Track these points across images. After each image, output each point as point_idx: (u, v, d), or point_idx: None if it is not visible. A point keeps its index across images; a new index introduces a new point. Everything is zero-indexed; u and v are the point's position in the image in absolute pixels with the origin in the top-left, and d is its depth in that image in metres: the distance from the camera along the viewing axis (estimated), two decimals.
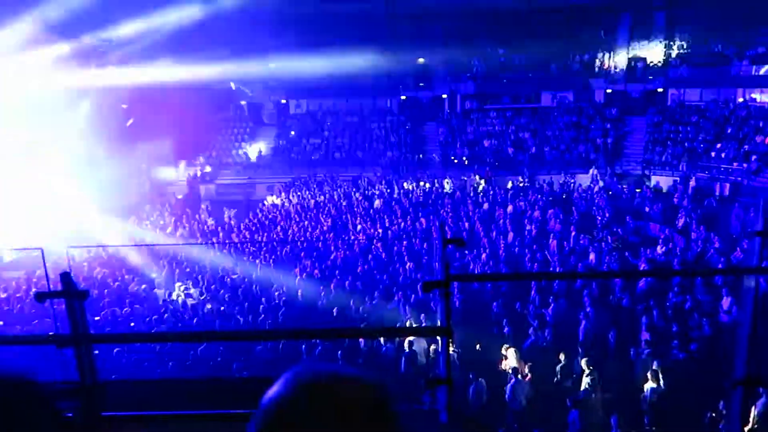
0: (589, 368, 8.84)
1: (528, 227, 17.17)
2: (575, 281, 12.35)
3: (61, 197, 22.09)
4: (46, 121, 22.26)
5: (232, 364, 9.62)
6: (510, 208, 19.22)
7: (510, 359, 9.57)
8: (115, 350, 9.74)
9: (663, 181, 23.78)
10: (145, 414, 1.96)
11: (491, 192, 21.76)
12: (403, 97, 31.40)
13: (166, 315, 12.34)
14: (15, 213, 20.39)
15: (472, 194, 22.18)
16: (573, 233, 16.11)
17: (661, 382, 8.54)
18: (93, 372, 1.89)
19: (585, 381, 8.79)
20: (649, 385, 8.55)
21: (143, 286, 14.77)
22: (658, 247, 14.94)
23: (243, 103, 32.21)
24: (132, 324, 12.11)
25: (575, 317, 10.77)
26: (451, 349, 2.24)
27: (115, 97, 24.36)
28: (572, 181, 23.93)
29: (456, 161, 27.28)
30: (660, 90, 28.86)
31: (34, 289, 14.75)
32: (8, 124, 20.82)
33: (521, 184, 23.65)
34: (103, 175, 22.17)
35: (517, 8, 27.70)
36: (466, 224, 17.94)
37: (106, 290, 14.10)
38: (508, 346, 9.82)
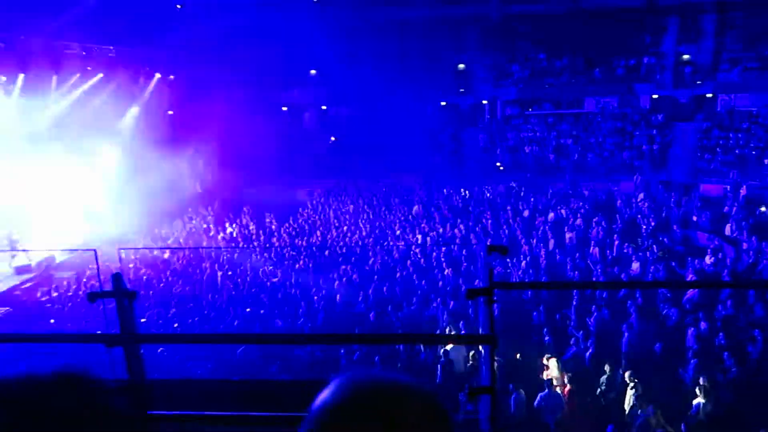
0: (633, 381, 8.58)
1: (569, 235, 16.84)
2: (618, 291, 12.04)
3: (111, 200, 22.85)
4: (96, 126, 23.10)
5: (271, 367, 9.73)
6: (551, 215, 18.89)
7: (552, 369, 9.39)
8: (159, 350, 9.99)
9: (712, 189, 22.98)
10: (190, 413, 1.99)
11: (532, 199, 21.43)
12: (443, 103, 31.27)
13: (209, 316, 12.60)
14: (66, 215, 21.17)
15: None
16: (616, 242, 15.72)
17: (709, 398, 8.22)
18: (141, 371, 1.94)
19: (629, 394, 8.54)
20: (697, 400, 8.24)
21: (187, 288, 15.13)
22: (707, 257, 14.42)
23: (284, 108, 32.64)
24: (176, 325, 12.39)
25: (619, 328, 10.49)
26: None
27: (162, 103, 25.07)
28: (616, 188, 23.37)
29: (503, 168, 26.89)
30: (709, 95, 27.93)
31: (82, 289, 15.29)
32: (61, 129, 21.69)
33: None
34: (150, 179, 22.81)
35: (560, 12, 27.28)
36: (506, 231, 17.74)
37: (151, 291, 14.48)
38: (549, 356, 9.64)
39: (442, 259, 15.39)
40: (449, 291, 13.36)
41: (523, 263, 14.59)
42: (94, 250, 14.43)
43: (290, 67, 27.37)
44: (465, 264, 14.95)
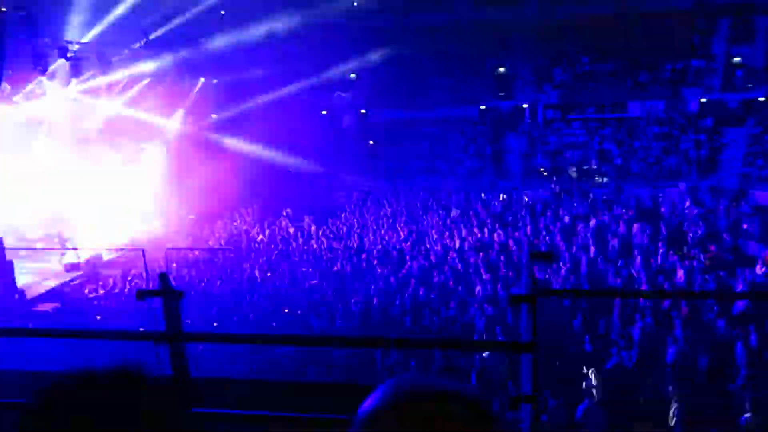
0: (677, 394, 8.32)
1: (611, 242, 16.47)
2: (663, 301, 11.70)
3: (156, 201, 23.51)
4: (142, 128, 23.84)
5: (309, 367, 9.83)
6: (593, 221, 18.52)
7: (591, 379, 9.19)
8: (200, 348, 10.21)
9: (763, 196, 22.12)
10: (232, 412, 2.04)
11: (575, 204, 21.06)
12: (482, 107, 31.04)
13: (248, 317, 12.82)
14: (113, 215, 21.88)
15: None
16: (661, 250, 15.29)
17: (758, 412, 7.91)
18: (186, 368, 1.99)
19: (673, 407, 8.29)
20: (746, 415, 7.94)
21: (227, 288, 15.43)
22: (757, 267, 13.87)
23: (324, 112, 32.94)
24: (215, 324, 12.65)
25: (663, 339, 10.19)
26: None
27: (206, 106, 25.66)
28: (661, 194, 22.75)
29: (546, 174, 26.48)
30: (761, 99, 26.92)
31: (127, 287, 15.76)
32: (109, 131, 22.46)
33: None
34: (193, 181, 23.39)
35: (604, 14, 26.73)
36: (546, 237, 17.47)
37: (192, 291, 14.81)
38: (588, 365, 9.43)
39: (480, 264, 15.26)
40: (487, 296, 13.24)
41: (563, 270, 14.34)
42: (142, 250, 14.89)
43: (330, 71, 27.64)
44: (503, 269, 14.79)
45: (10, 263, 16.26)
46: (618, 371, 9.61)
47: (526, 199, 23.01)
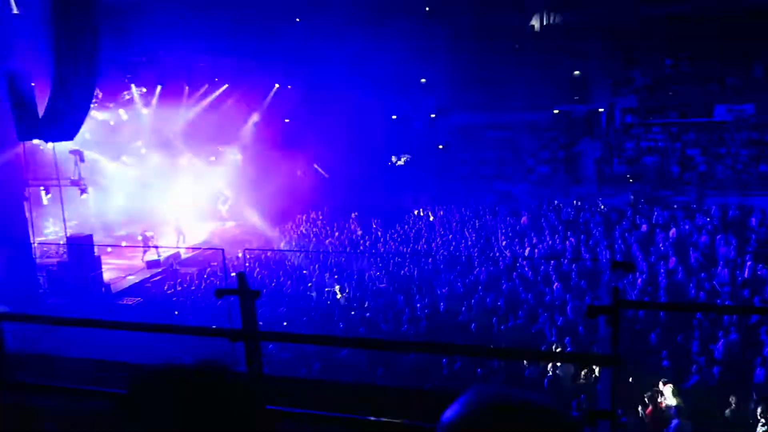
0: (765, 418, 7.76)
1: (693, 253, 15.60)
2: (750, 316, 10.96)
3: (231, 202, 24.41)
4: (220, 132, 24.83)
5: (376, 370, 9.88)
6: (672, 230, 17.62)
7: (666, 396, 8.73)
8: (269, 346, 10.49)
9: None
10: (303, 411, 2.07)
11: (654, 213, 20.10)
12: (556, 111, 30.25)
13: (315, 318, 13.05)
14: (191, 215, 22.90)
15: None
16: (749, 262, 14.33)
17: None
18: (259, 366, 2.05)
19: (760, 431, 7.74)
20: None
21: (298, 288, 15.78)
22: None
23: (394, 117, 33.10)
24: (285, 323, 12.95)
25: (749, 357, 9.54)
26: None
27: (280, 111, 26.40)
28: (750, 204, 21.32)
29: (623, 180, 25.44)
30: None
31: (203, 284, 16.42)
32: (190, 135, 23.54)
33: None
34: (267, 183, 24.13)
35: (687, 14, 25.38)
36: (621, 246, 16.78)
37: (264, 290, 15.24)
38: (665, 381, 8.96)
39: (551, 272, 14.85)
40: (557, 306, 12.87)
41: (640, 281, 13.72)
42: (222, 250, 15.52)
43: (401, 76, 27.75)
44: (575, 278, 14.33)
45: (98, 259, 17.31)
46: (699, 389, 9.09)
47: (601, 206, 22.20)
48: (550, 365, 9.90)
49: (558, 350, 10.39)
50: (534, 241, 17.90)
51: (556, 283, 14.01)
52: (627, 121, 28.77)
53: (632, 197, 23.03)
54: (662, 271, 14.35)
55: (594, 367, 8.00)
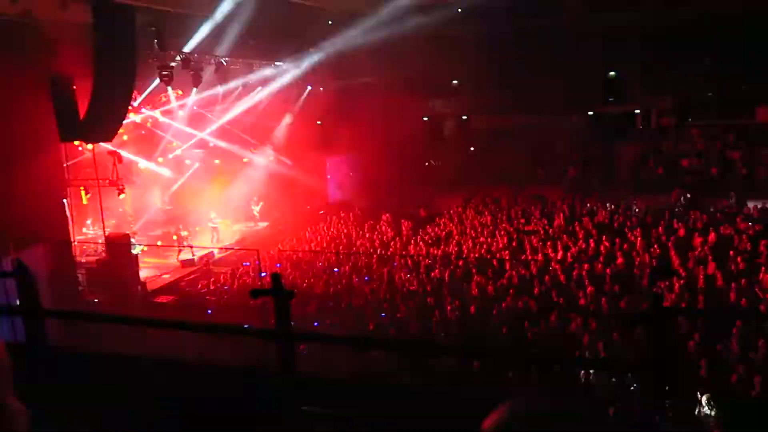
0: None
1: (735, 258, 15.13)
2: None
3: (264, 203, 24.72)
4: (254, 134, 25.17)
5: (405, 372, 9.87)
6: (711, 235, 17.12)
7: (705, 406, 8.49)
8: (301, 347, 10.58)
9: None
10: (336, 413, 2.08)
11: (693, 217, 19.57)
12: (590, 113, 29.76)
13: (345, 319, 13.11)
14: (224, 216, 23.25)
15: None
16: None
17: None
18: (294, 367, 2.06)
19: None
20: None
21: (330, 290, 15.87)
22: None
23: (425, 119, 33.06)
24: (315, 324, 13.05)
25: None
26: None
27: (313, 112, 26.62)
28: None
29: (659, 183, 24.85)
30: None
31: (236, 284, 16.66)
32: (227, 138, 23.93)
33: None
34: (299, 184, 24.39)
35: (729, 13, 24.64)
36: (657, 250, 16.39)
37: (295, 290, 15.38)
38: (704, 390, 8.72)
39: (584, 276, 14.60)
40: (591, 310, 12.65)
41: (677, 286, 13.37)
42: (257, 250, 15.75)
43: (433, 77, 27.70)
44: (609, 283, 14.07)
45: (136, 257, 17.74)
46: (739, 400, 8.81)
47: (636, 210, 21.73)
48: (582, 371, 9.74)
49: (592, 356, 10.22)
50: (567, 244, 17.64)
51: (589, 287, 13.78)
52: (663, 123, 28.11)
53: (669, 200, 22.48)
54: (701, 276, 13.97)
55: (629, 374, 7.82)
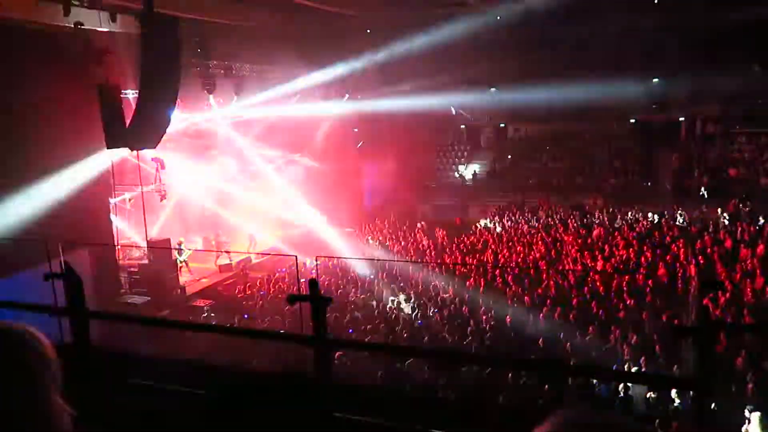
0: None
1: None
2: None
3: (299, 210, 24.96)
4: (292, 140, 25.52)
5: (439, 380, 9.79)
6: (760, 247, 16.50)
7: (753, 425, 8.15)
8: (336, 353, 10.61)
9: None
10: (370, 420, 2.07)
11: (741, 228, 18.91)
12: (632, 121, 29.13)
13: (379, 326, 13.10)
14: (264, 222, 23.56)
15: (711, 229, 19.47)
16: None
17: None
18: (329, 373, 2.07)
19: None
20: None
21: (361, 296, 15.94)
22: None
23: (462, 126, 32.97)
24: (350, 331, 13.07)
25: None
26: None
27: (349, 120, 26.83)
28: None
29: (705, 193, 24.14)
30: None
31: (271, 290, 16.84)
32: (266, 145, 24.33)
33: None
34: (335, 191, 24.59)
35: None
36: (701, 262, 15.88)
37: (330, 297, 15.45)
38: (752, 408, 8.38)
39: (624, 288, 14.25)
40: (631, 323, 12.33)
41: (722, 300, 12.92)
42: (295, 256, 15.92)
43: (470, 86, 27.58)
44: (650, 295, 13.69)
45: (175, 262, 18.15)
46: None
47: (680, 220, 21.13)
48: (621, 385, 9.48)
49: (632, 370, 9.97)
50: (606, 254, 17.27)
51: (629, 300, 13.45)
52: (709, 131, 27.30)
53: (716, 211, 21.75)
54: (748, 290, 13.48)
55: (672, 390, 7.58)
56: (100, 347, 2.88)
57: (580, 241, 19.03)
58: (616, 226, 21.03)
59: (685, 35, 25.16)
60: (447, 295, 15.25)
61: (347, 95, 26.54)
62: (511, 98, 27.24)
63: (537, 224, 22.29)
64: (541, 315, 13.03)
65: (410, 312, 14.42)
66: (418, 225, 24.49)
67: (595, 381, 9.55)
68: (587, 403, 9.21)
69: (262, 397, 0.79)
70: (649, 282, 14.51)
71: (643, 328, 12.07)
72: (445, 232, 22.43)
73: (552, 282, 15.26)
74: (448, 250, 20.17)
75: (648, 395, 9.31)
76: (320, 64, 23.32)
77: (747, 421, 8.19)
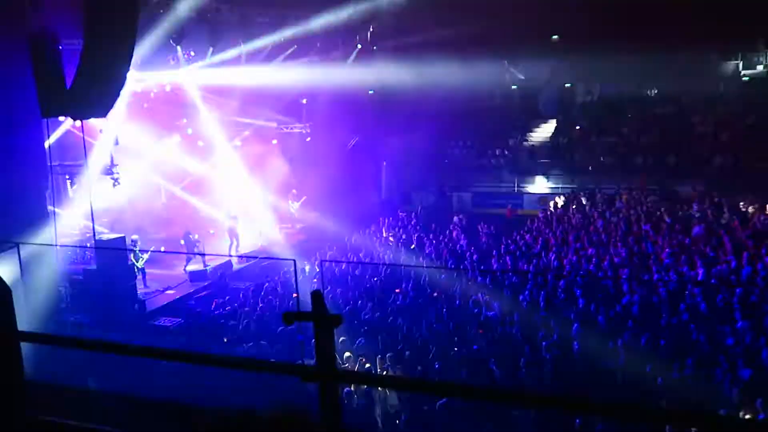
0: None
1: None
2: None
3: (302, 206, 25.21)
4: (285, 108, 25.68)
5: (484, 427, 9.80)
6: None
7: None
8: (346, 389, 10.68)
9: None
10: None
11: None
12: (744, 78, 28.74)
13: (403, 353, 13.14)
14: (251, 215, 23.79)
15: None
16: None
17: None
18: (338, 410, 2.04)
19: None
20: None
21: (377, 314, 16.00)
22: None
23: (514, 87, 32.76)
24: (362, 359, 13.11)
25: None
26: None
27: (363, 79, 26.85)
28: None
29: None
30: None
31: (260, 304, 16.97)
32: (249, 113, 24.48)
33: None
34: (343, 176, 24.72)
35: None
36: None
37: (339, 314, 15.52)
38: None
39: (734, 305, 14.12)
40: (743, 352, 12.23)
41: None
42: (293, 260, 16.01)
43: (525, 31, 27.48)
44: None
45: (132, 267, 18.32)
46: None
47: None
48: None
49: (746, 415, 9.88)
50: (710, 260, 17.14)
51: (740, 321, 13.33)
52: None
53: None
54: None
55: None
56: (34, 378, 2.89)
57: (674, 242, 18.90)
58: (723, 221, 20.82)
59: None
60: (492, 312, 15.24)
61: (359, 46, 26.48)
62: (580, 50, 27.00)
63: (615, 219, 22.15)
64: (621, 341, 12.98)
65: (444, 335, 14.42)
66: (455, 219, 24.48)
67: None
68: None
69: None
70: None
71: (760, 360, 11.96)
72: (490, 228, 22.43)
73: (636, 297, 15.18)
74: (494, 252, 20.14)
75: None
76: (322, 6, 23.27)
77: None
